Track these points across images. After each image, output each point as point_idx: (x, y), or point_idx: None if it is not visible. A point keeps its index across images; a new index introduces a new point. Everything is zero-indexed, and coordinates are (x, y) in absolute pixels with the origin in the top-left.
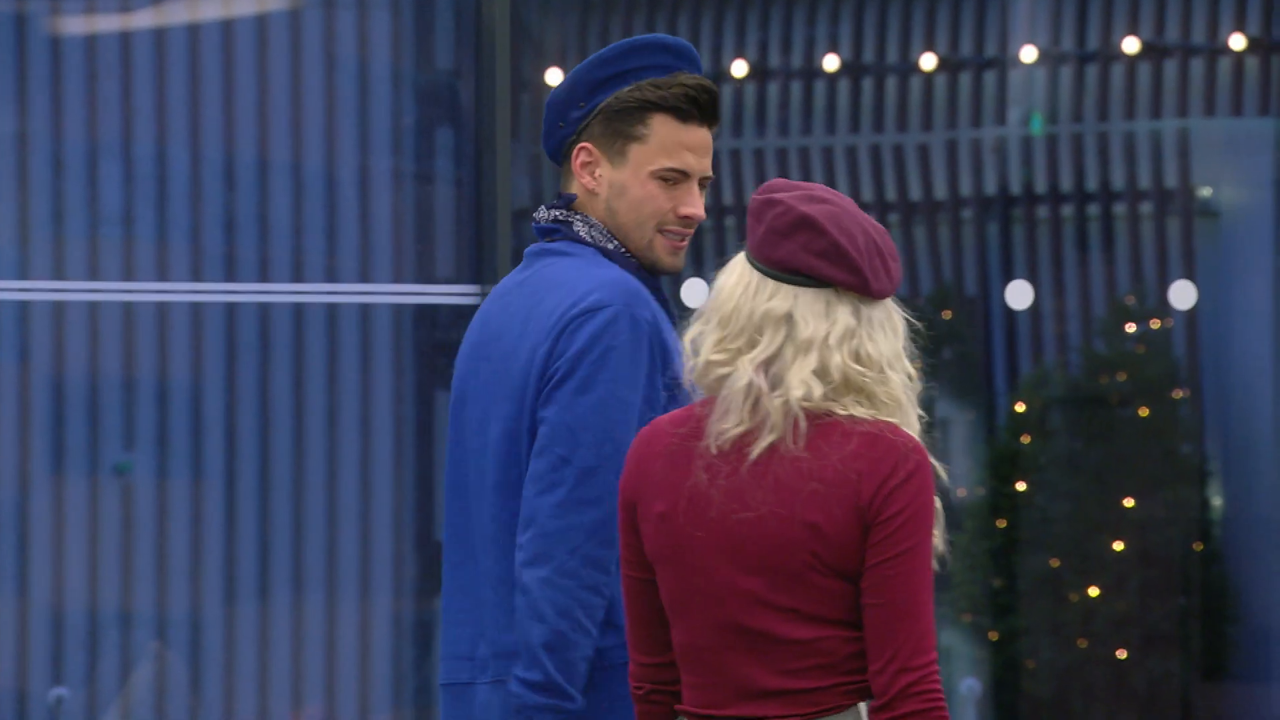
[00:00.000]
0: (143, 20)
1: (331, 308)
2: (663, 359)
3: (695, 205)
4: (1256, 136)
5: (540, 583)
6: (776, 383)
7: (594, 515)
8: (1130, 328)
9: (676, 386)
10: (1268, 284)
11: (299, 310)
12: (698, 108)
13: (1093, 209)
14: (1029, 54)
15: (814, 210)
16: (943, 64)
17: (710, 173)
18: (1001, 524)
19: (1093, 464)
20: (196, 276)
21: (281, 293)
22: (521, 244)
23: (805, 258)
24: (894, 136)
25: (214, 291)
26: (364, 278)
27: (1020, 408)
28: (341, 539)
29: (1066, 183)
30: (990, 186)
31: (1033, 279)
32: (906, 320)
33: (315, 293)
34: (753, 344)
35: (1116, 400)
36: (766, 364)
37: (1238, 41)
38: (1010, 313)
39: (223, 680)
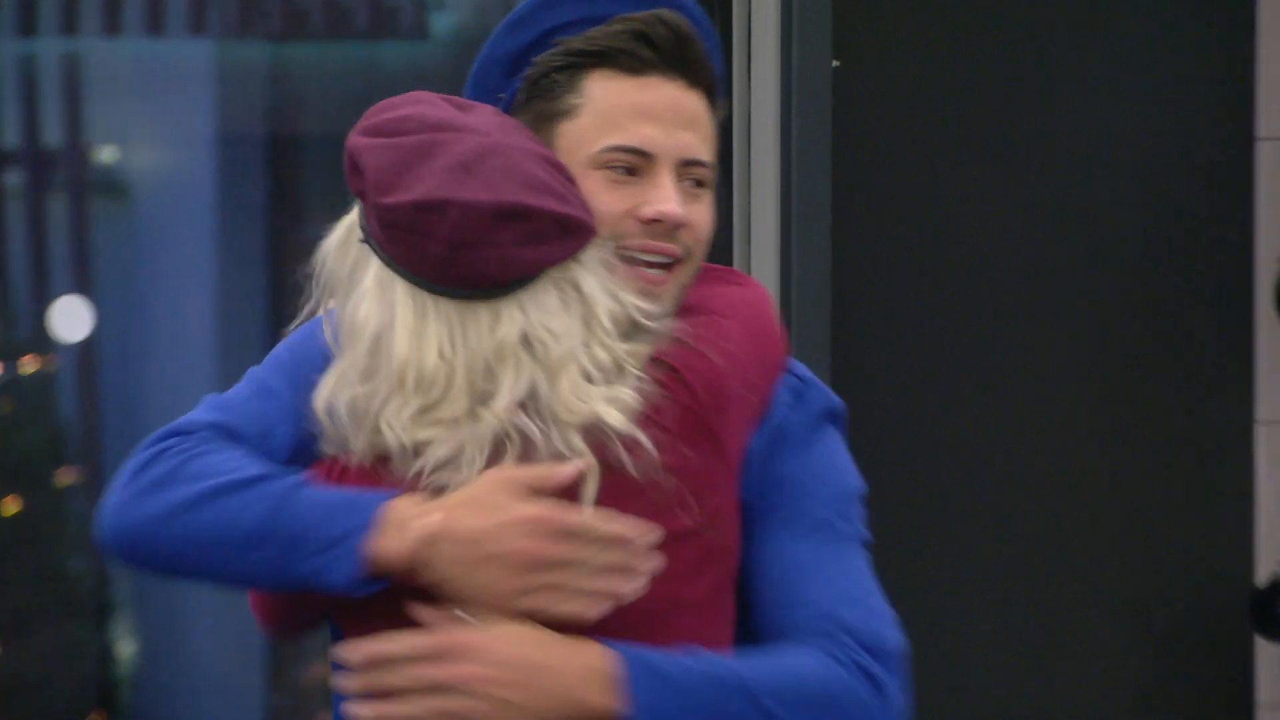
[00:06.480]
0: None
1: None
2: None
3: (666, 200)
4: None
5: None
6: (561, 421)
7: None
8: None
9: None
10: None
11: None
12: (653, 49)
13: None
14: None
15: (508, 196)
16: None
17: (698, 156)
18: None
19: None
20: None
21: None
22: None
23: (522, 254)
24: None
25: None
26: None
27: None
28: None
29: None
30: None
31: None
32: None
33: None
34: (485, 396)
35: None
36: (528, 407)
37: None
38: None
39: None
